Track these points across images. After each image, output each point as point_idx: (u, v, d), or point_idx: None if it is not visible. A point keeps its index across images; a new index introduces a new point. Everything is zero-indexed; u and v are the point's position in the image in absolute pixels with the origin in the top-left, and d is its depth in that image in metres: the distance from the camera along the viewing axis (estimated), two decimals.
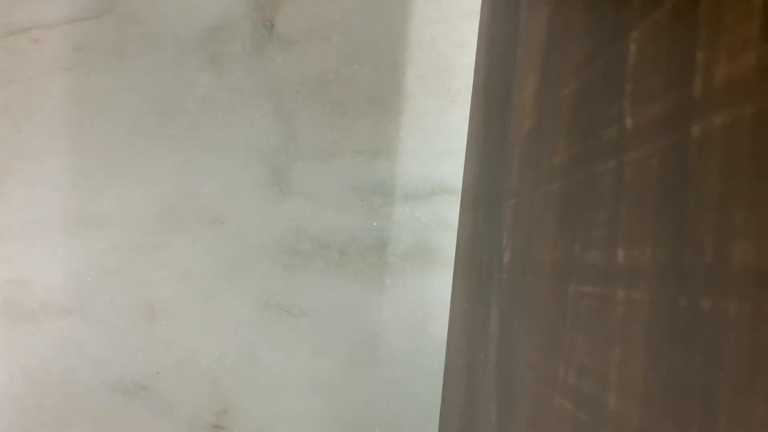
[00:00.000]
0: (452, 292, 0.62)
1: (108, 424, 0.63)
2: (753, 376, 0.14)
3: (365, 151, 0.63)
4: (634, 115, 0.21)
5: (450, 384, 0.57)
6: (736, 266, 0.14)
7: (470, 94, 0.63)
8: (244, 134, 0.63)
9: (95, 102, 0.63)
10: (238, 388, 0.63)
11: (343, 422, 0.63)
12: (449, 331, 0.61)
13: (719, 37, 0.16)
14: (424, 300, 0.63)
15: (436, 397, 0.63)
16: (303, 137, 0.63)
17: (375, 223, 0.63)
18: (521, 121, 0.37)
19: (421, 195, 0.63)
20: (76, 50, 0.63)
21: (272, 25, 0.63)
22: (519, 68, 0.39)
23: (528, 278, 0.32)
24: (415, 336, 0.63)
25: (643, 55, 0.20)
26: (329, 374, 0.63)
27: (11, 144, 0.63)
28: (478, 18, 0.62)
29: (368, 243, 0.63)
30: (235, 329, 0.63)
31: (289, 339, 0.63)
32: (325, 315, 0.63)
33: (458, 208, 0.63)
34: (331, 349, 0.63)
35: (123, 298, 0.63)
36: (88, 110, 0.63)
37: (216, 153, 0.63)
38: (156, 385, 0.63)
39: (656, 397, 0.18)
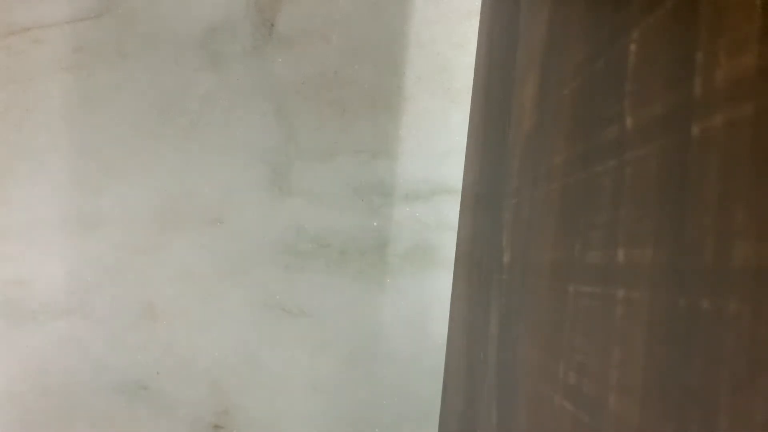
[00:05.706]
0: (452, 292, 0.62)
1: (108, 425, 0.63)
2: (753, 376, 0.14)
3: (365, 151, 0.63)
4: (634, 115, 0.21)
5: (450, 384, 0.57)
6: (736, 266, 0.14)
7: (470, 94, 0.63)
8: (244, 134, 0.63)
9: (95, 102, 0.63)
10: (238, 388, 0.63)
11: (343, 422, 0.63)
12: (449, 331, 0.61)
13: (719, 37, 0.16)
14: (424, 300, 0.63)
15: (436, 397, 0.63)
16: (303, 137, 0.63)
17: (375, 223, 0.63)
18: (521, 121, 0.37)
19: (421, 195, 0.63)
20: (76, 50, 0.63)
21: (272, 25, 0.63)
22: (519, 68, 0.39)
23: (528, 278, 0.32)
24: (415, 336, 0.63)
25: (643, 55, 0.20)
26: (329, 374, 0.63)
27: (11, 144, 0.62)
28: (478, 18, 0.62)
29: (368, 243, 0.63)
30: (235, 329, 0.63)
31: (289, 339, 0.63)
32: (325, 315, 0.63)
33: (458, 208, 0.63)
34: (331, 349, 0.63)
35: (123, 298, 0.63)
36: (88, 110, 0.63)
37: (216, 153, 0.63)
38: (156, 385, 0.63)
39: (656, 397, 0.18)
